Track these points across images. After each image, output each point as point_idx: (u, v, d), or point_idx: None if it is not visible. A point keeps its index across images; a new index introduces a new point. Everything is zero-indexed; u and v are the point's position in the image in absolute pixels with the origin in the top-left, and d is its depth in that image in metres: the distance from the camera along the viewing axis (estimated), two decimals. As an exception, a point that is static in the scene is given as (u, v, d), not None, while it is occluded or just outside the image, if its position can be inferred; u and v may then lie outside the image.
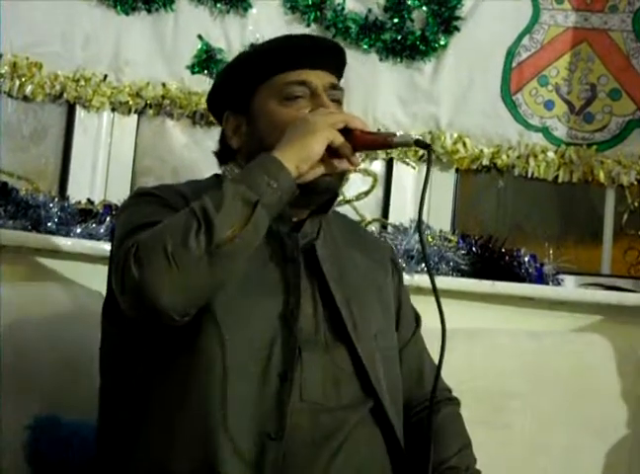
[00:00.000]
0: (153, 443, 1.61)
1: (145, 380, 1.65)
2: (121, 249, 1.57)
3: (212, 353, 1.61)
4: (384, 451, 1.71)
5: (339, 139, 1.62)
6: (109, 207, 2.62)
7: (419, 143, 1.64)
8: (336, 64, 1.82)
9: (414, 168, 2.93)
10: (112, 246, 1.74)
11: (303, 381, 1.63)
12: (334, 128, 1.62)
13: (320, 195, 1.73)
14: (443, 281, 2.51)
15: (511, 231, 2.97)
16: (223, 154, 1.85)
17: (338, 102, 1.77)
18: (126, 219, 1.69)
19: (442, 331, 1.57)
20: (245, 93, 1.77)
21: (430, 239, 2.65)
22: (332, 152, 1.63)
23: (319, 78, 1.75)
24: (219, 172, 1.85)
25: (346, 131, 1.64)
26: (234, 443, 1.56)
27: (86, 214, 2.60)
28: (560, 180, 2.91)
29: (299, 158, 1.59)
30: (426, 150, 1.64)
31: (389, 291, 1.88)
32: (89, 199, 2.69)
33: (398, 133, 1.66)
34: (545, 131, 2.92)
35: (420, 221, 1.68)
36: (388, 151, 2.88)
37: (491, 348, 2.32)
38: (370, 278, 1.83)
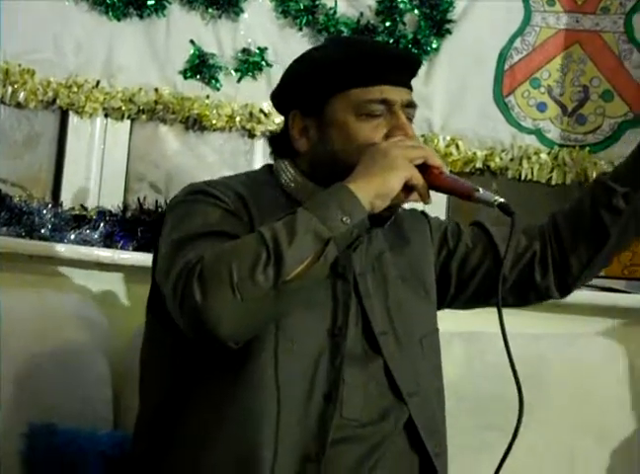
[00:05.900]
0: (185, 448, 1.59)
1: (185, 383, 1.63)
2: (182, 260, 1.52)
3: (264, 367, 1.59)
4: (417, 467, 1.70)
5: (417, 179, 1.58)
6: (102, 213, 2.61)
7: (502, 207, 1.57)
8: (412, 78, 1.75)
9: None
10: (160, 240, 1.66)
11: (345, 399, 1.61)
12: (413, 164, 1.57)
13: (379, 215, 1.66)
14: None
15: (505, 233, 2.97)
16: (280, 147, 1.77)
17: (411, 119, 1.70)
18: (184, 219, 1.63)
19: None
20: (319, 98, 1.68)
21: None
22: (405, 186, 1.58)
23: (398, 95, 1.67)
24: (271, 162, 1.79)
25: (423, 167, 1.59)
26: (275, 463, 1.55)
27: (80, 220, 2.59)
28: (553, 182, 2.91)
29: (376, 194, 1.54)
30: (509, 217, 1.58)
31: (432, 264, 1.84)
32: (82, 205, 2.69)
33: (481, 190, 1.59)
34: (538, 133, 2.92)
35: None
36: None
37: (489, 351, 2.33)
38: (415, 275, 1.80)
